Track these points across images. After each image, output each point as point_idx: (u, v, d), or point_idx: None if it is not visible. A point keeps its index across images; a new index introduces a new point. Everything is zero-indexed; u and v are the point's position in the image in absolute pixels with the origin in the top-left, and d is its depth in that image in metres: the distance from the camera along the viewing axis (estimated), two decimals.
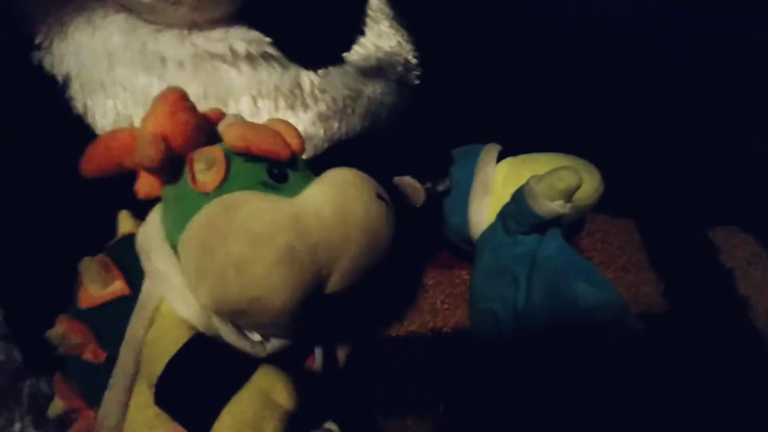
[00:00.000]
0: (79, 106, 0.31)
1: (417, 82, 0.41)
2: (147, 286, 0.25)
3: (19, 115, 0.30)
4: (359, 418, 0.34)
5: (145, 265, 0.25)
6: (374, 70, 0.37)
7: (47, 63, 0.31)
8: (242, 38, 0.31)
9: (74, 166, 0.32)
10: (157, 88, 0.31)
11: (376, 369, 0.37)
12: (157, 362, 0.22)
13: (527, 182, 0.31)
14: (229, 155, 0.24)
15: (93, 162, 0.24)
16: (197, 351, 0.23)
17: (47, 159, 0.31)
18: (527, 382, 0.32)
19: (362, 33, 0.35)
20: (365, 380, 0.36)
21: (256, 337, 0.25)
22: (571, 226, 0.37)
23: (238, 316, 0.23)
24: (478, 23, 0.40)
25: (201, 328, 0.24)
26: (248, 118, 0.32)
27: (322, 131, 0.35)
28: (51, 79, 0.31)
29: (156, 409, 0.23)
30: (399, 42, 0.37)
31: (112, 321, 0.25)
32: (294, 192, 0.24)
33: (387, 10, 0.37)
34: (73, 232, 0.31)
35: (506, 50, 0.43)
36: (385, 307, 0.39)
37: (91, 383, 0.25)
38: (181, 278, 0.23)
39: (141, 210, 0.29)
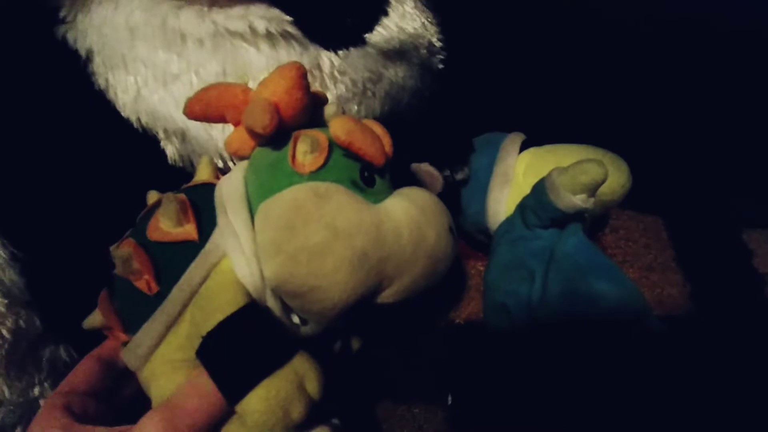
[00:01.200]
0: (101, 81, 0.32)
1: (441, 66, 0.40)
2: (215, 238, 0.24)
3: (42, 88, 0.31)
4: (367, 406, 0.35)
5: (220, 218, 0.25)
6: (396, 53, 0.36)
7: (70, 37, 0.31)
8: (262, 16, 0.30)
9: (95, 141, 0.32)
10: (176, 65, 0.31)
11: (386, 358, 0.37)
12: (209, 316, 0.22)
13: (549, 174, 0.29)
14: (331, 145, 0.25)
15: (200, 104, 0.26)
16: (250, 319, 0.23)
17: (69, 133, 0.31)
18: (538, 378, 0.31)
19: (385, 13, 0.34)
20: (375, 369, 0.36)
21: (296, 319, 0.26)
22: (594, 221, 0.36)
23: (292, 298, 0.24)
24: (508, 6, 0.38)
25: (254, 296, 0.24)
26: None
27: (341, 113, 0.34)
28: (74, 53, 0.31)
29: (184, 354, 0.24)
30: (423, 23, 0.36)
31: (173, 260, 0.24)
32: (377, 199, 0.25)
33: None
34: (96, 203, 0.32)
35: (536, 35, 0.41)
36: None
37: (135, 311, 0.25)
38: (251, 244, 0.24)
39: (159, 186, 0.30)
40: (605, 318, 0.27)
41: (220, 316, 0.22)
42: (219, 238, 0.24)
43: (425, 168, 0.33)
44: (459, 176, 0.35)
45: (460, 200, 0.37)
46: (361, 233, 0.23)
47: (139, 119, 0.32)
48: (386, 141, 0.27)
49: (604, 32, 0.35)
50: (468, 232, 0.38)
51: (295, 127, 0.26)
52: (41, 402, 0.32)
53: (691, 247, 0.37)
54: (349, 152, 0.25)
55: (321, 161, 0.24)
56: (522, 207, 0.32)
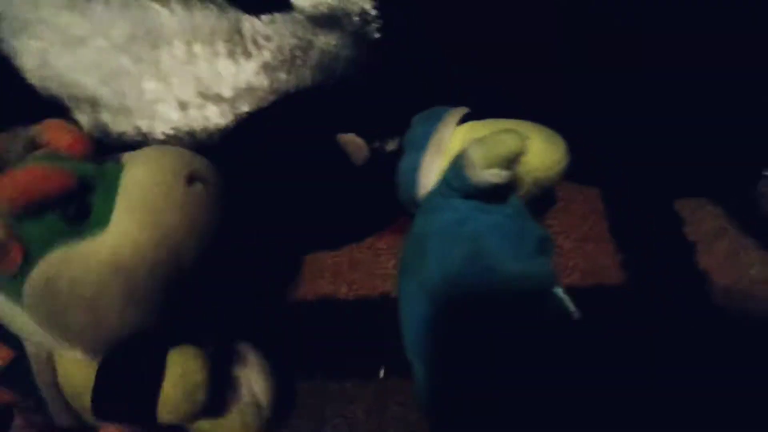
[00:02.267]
0: (5, 47, 0.30)
1: (378, 35, 0.38)
2: (30, 348, 0.25)
3: None
4: (298, 383, 0.34)
5: (14, 331, 0.25)
6: (327, 20, 0.34)
7: None
8: None
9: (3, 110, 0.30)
10: (81, 27, 0.29)
11: (319, 332, 0.36)
12: (82, 398, 0.25)
13: (467, 146, 0.28)
14: (17, 221, 0.22)
15: None
16: (110, 372, 0.25)
17: None
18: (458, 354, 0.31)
19: None
20: (307, 344, 0.35)
21: None
22: (537, 200, 0.35)
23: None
24: None
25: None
26: (182, 64, 0.31)
27: (267, 82, 0.33)
28: None
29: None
30: None
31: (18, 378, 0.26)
32: (103, 220, 0.23)
33: None
34: None
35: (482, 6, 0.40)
36: (329, 270, 0.38)
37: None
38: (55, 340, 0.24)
39: None
40: (505, 298, 0.26)
41: (87, 396, 0.24)
42: (31, 346, 0.26)
43: (349, 138, 0.32)
44: (389, 147, 0.34)
45: (396, 173, 0.36)
46: (109, 283, 0.22)
47: (45, 87, 0.30)
48: (64, 135, 0.25)
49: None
50: (403, 204, 0.37)
51: None
52: None
53: (626, 217, 0.37)
54: (37, 208, 0.22)
55: (18, 254, 0.22)
56: (442, 178, 0.31)
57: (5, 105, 0.30)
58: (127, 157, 0.26)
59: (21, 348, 0.26)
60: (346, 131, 0.34)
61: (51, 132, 0.25)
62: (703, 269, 0.34)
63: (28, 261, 0.22)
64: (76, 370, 0.25)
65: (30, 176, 0.22)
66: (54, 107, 0.31)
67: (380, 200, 0.38)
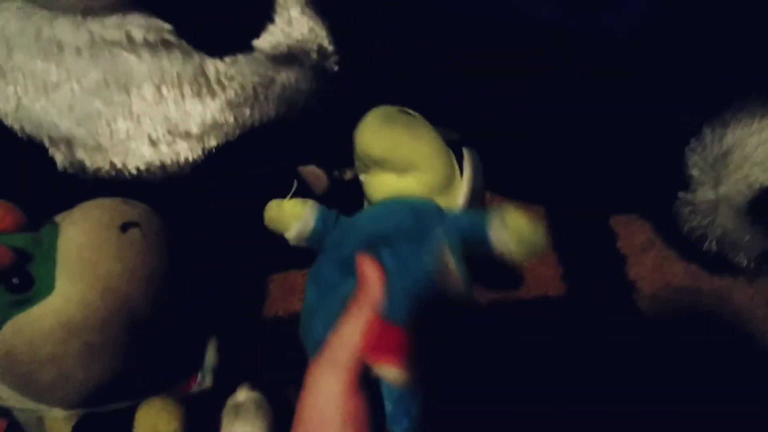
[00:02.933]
0: None
1: (336, 68, 0.41)
2: (20, 415, 0.28)
3: None
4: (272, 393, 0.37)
5: (1, 403, 0.27)
6: (286, 57, 0.37)
7: None
8: (140, 25, 0.31)
9: None
10: (55, 74, 0.31)
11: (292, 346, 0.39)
12: None
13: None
14: None
15: None
16: (83, 429, 0.27)
17: None
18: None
19: (271, 20, 0.35)
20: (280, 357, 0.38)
21: None
22: None
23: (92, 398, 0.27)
24: (393, 10, 0.40)
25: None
26: (153, 106, 0.33)
27: (232, 118, 0.35)
28: None
29: None
30: (311, 28, 0.37)
31: None
32: (48, 285, 0.24)
33: None
34: None
35: (427, 37, 0.43)
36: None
37: None
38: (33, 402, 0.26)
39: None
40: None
41: None
42: (23, 414, 0.28)
43: (311, 170, 0.35)
44: (348, 176, 0.37)
45: (353, 198, 0.39)
46: (64, 345, 0.24)
47: (23, 128, 0.32)
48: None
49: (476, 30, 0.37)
50: None
51: None
52: None
53: (566, 233, 0.40)
54: None
55: None
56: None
57: None
58: (62, 217, 0.28)
59: (12, 416, 0.28)
60: (308, 162, 0.36)
61: None
62: (632, 279, 0.38)
63: None
64: (62, 428, 0.27)
65: None
66: (31, 145, 0.33)
67: None
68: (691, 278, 0.37)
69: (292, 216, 0.32)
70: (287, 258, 0.43)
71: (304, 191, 0.35)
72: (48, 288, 0.24)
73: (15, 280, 0.24)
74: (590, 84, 0.37)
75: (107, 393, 0.27)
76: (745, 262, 0.33)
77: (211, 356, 0.35)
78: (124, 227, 0.26)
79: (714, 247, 0.34)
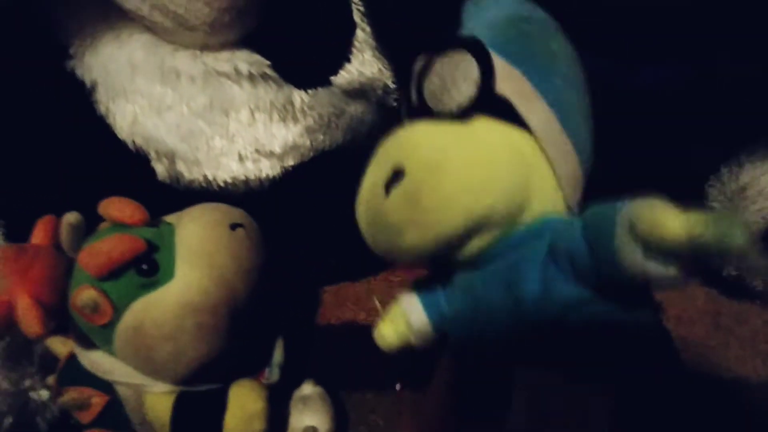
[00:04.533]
0: (102, 108, 0.37)
1: (394, 104, 0.47)
2: (123, 392, 0.30)
3: (51, 112, 0.36)
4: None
5: (108, 377, 0.30)
6: (357, 92, 0.43)
7: (78, 70, 0.36)
8: (245, 60, 0.37)
9: (95, 158, 0.37)
10: (170, 97, 0.37)
11: (343, 351, 0.42)
12: (164, 429, 0.30)
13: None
14: (102, 282, 0.27)
15: None
16: (181, 404, 0.30)
17: (74, 150, 0.36)
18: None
19: (348, 60, 0.41)
20: (332, 361, 0.41)
21: None
22: None
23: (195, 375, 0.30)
24: None
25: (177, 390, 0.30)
26: (246, 127, 0.38)
27: (308, 142, 0.41)
28: (80, 83, 0.36)
29: None
30: (380, 69, 0.44)
31: (112, 418, 0.31)
32: (169, 272, 0.28)
33: (370, 41, 0.44)
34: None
35: None
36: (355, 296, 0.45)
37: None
38: (143, 376, 0.29)
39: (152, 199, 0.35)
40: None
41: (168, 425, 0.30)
42: (125, 390, 0.31)
43: None
44: None
45: None
46: (182, 322, 0.27)
47: (134, 141, 0.37)
48: (128, 210, 0.29)
49: None
50: None
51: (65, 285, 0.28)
52: (31, 393, 0.36)
53: None
54: (116, 271, 0.27)
55: (109, 309, 0.27)
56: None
57: (97, 154, 0.37)
58: (172, 218, 0.31)
59: (114, 392, 0.30)
60: None
61: (114, 207, 0.29)
62: (658, 300, 0.42)
63: (116, 313, 0.27)
64: (160, 404, 0.30)
65: (110, 245, 0.27)
66: (138, 157, 0.38)
67: None
68: (711, 301, 0.41)
69: (399, 334, 0.27)
70: (341, 271, 0.47)
71: None
72: (170, 274, 0.28)
73: (144, 266, 0.27)
74: (618, 131, 0.42)
75: (207, 372, 0.30)
76: (761, 287, 0.37)
77: (278, 353, 0.38)
78: (233, 227, 0.30)
79: (733, 273, 0.38)
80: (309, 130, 0.40)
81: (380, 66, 0.44)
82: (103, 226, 0.30)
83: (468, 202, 0.19)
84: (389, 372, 0.40)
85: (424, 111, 0.21)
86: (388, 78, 0.45)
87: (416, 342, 0.28)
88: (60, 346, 0.33)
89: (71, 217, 0.29)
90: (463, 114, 0.20)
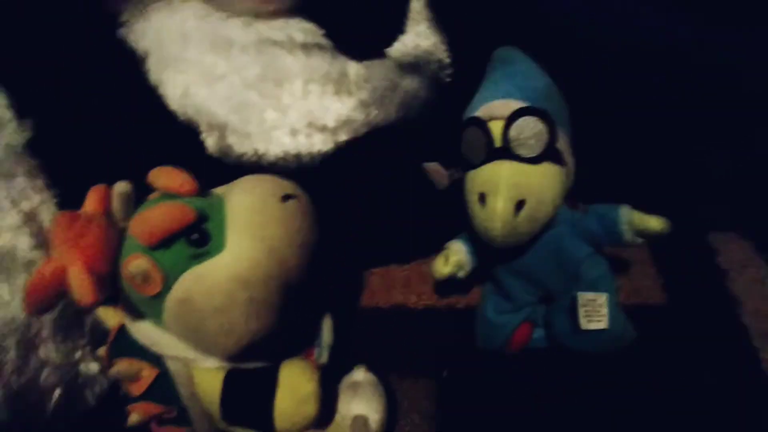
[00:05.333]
0: (154, 77, 0.36)
1: (448, 80, 0.45)
2: (173, 365, 0.29)
3: (103, 80, 0.35)
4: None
5: (157, 350, 0.29)
6: (411, 66, 0.41)
7: (130, 38, 0.35)
8: (299, 28, 0.35)
9: (145, 129, 0.36)
10: (222, 67, 0.35)
11: (393, 335, 0.41)
12: (213, 406, 0.29)
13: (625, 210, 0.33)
14: (152, 252, 0.26)
15: (35, 301, 0.26)
16: (231, 382, 0.29)
17: (124, 120, 0.35)
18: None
19: (403, 32, 0.39)
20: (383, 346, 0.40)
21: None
22: None
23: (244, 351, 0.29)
24: (507, 30, 0.44)
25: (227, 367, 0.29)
26: (299, 99, 0.37)
27: (362, 116, 0.39)
28: (132, 52, 0.35)
29: None
30: (435, 42, 0.41)
31: (161, 391, 0.30)
32: (220, 243, 0.27)
33: (426, 13, 0.41)
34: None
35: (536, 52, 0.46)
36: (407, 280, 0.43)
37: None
38: (192, 350, 0.29)
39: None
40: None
41: (217, 401, 0.29)
42: (174, 363, 0.30)
43: (434, 167, 0.38)
44: (457, 176, 0.39)
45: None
46: (232, 295, 0.26)
47: (185, 113, 0.36)
48: (178, 179, 0.28)
49: (589, 51, 0.40)
50: None
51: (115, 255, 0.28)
52: (81, 366, 0.35)
53: (665, 247, 0.42)
54: (167, 240, 0.26)
55: (159, 278, 0.26)
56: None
57: (147, 125, 0.36)
58: (221, 189, 0.30)
59: (163, 365, 0.29)
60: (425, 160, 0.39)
61: (164, 176, 0.29)
62: (734, 293, 0.39)
63: (166, 284, 0.26)
64: (210, 380, 0.29)
65: (160, 214, 0.26)
66: (188, 129, 0.37)
67: (447, 222, 0.43)
68: None
69: (453, 264, 0.38)
70: (389, 254, 0.45)
71: (425, 185, 0.38)
72: (220, 246, 0.27)
73: (194, 236, 0.26)
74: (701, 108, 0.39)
75: (257, 349, 0.29)
76: None
77: (327, 334, 0.36)
78: (285, 198, 0.29)
79: None
80: (363, 104, 0.39)
81: (436, 39, 0.42)
82: (153, 195, 0.29)
83: (551, 212, 0.33)
84: (438, 357, 0.39)
85: (506, 152, 0.32)
86: (442, 52, 0.43)
87: (461, 275, 0.38)
88: (111, 317, 0.32)
89: (122, 186, 0.29)
90: (537, 160, 0.32)
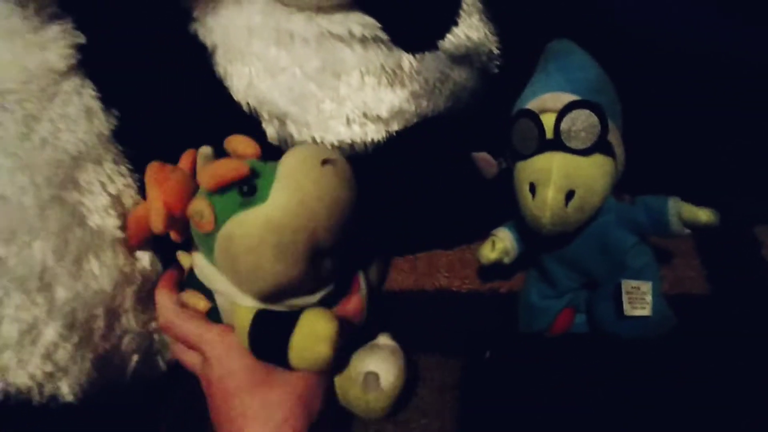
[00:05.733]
0: (220, 69, 0.38)
1: (496, 71, 0.46)
2: (220, 300, 0.34)
3: (176, 73, 0.37)
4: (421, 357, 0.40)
5: (210, 285, 0.34)
6: (462, 58, 0.42)
7: (200, 33, 0.38)
8: (358, 22, 0.37)
9: (212, 117, 0.39)
10: (284, 60, 0.37)
11: (437, 317, 0.43)
12: (244, 341, 0.32)
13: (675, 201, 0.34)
14: (210, 196, 0.31)
15: (134, 233, 0.35)
16: (260, 319, 0.32)
17: (192, 109, 0.37)
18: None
19: (456, 24, 0.40)
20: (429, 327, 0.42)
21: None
22: None
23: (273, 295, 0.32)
24: (558, 22, 0.44)
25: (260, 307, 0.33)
26: (356, 90, 0.38)
27: (413, 107, 0.40)
28: (201, 45, 0.38)
29: None
30: (486, 34, 0.42)
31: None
32: (265, 195, 0.30)
33: (478, 4, 0.42)
34: None
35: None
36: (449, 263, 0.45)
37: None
38: (234, 288, 0.32)
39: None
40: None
41: (246, 333, 0.32)
42: (221, 298, 0.34)
43: (483, 156, 0.39)
44: (504, 165, 0.40)
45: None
46: (264, 237, 0.29)
47: (248, 103, 0.39)
48: (248, 145, 0.33)
49: (647, 48, 0.41)
50: None
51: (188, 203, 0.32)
52: (155, 336, 0.39)
53: (710, 238, 0.42)
54: (223, 188, 0.31)
55: (212, 217, 0.30)
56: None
57: (215, 114, 0.39)
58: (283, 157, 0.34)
59: (214, 300, 0.34)
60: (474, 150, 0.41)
61: (235, 141, 0.34)
62: None
63: (217, 224, 0.30)
64: (244, 317, 0.32)
65: (220, 167, 0.31)
66: (250, 118, 0.39)
67: (491, 210, 0.45)
68: None
69: (499, 250, 0.40)
70: (435, 239, 0.47)
71: (473, 173, 0.40)
72: (264, 197, 0.30)
73: (245, 188, 0.31)
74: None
75: (286, 294, 0.32)
76: None
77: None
78: (324, 162, 0.31)
79: None
80: (414, 95, 0.40)
81: (486, 31, 0.42)
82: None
83: (599, 203, 0.35)
84: (481, 338, 0.41)
85: (558, 143, 0.34)
86: (493, 43, 0.44)
87: (506, 261, 0.40)
88: (185, 259, 0.37)
89: (205, 150, 0.35)
90: (588, 152, 0.33)
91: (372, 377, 0.35)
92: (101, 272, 0.34)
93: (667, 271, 0.41)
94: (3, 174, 0.30)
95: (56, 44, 0.32)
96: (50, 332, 0.31)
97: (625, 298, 0.33)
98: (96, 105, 0.34)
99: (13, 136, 0.30)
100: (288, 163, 0.32)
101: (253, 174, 0.31)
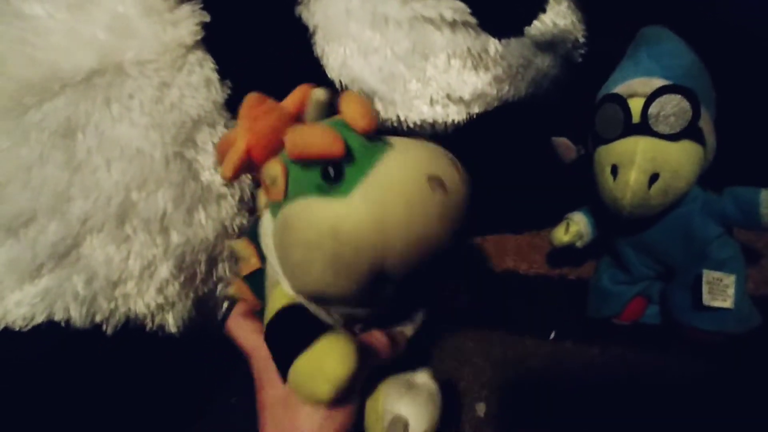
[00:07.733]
0: (319, 50, 0.42)
1: (580, 59, 0.46)
2: (268, 268, 0.31)
3: (280, 52, 0.41)
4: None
5: (264, 250, 0.30)
6: (547, 44, 0.42)
7: (304, 16, 0.41)
8: (450, 7, 0.39)
9: None
10: (378, 41, 0.40)
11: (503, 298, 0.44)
12: (266, 320, 0.29)
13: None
14: (289, 164, 0.27)
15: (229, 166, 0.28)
16: (287, 314, 0.28)
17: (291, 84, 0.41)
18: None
19: (544, 11, 0.41)
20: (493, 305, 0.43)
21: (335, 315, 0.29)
22: None
23: (312, 300, 0.28)
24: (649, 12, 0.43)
25: (297, 300, 0.29)
26: (441, 72, 0.41)
27: (495, 91, 0.42)
28: (305, 27, 0.42)
29: None
30: (573, 21, 0.43)
31: (257, 282, 0.32)
32: (349, 188, 0.25)
33: None
34: None
35: None
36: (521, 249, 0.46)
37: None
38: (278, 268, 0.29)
39: None
40: None
41: (270, 316, 0.29)
42: (269, 267, 0.30)
43: (563, 141, 0.40)
44: (582, 152, 0.41)
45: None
46: (324, 239, 0.25)
47: (341, 81, 0.42)
48: (361, 111, 0.27)
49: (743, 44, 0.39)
50: None
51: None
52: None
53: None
54: (306, 161, 0.26)
55: (282, 187, 0.26)
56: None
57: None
58: (391, 141, 0.28)
59: (264, 264, 0.31)
60: (552, 135, 0.41)
61: (348, 103, 0.27)
62: None
63: (287, 197, 0.26)
64: (276, 299, 0.29)
65: (313, 135, 0.26)
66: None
67: (564, 197, 0.45)
68: None
69: (573, 234, 0.41)
70: (503, 222, 0.48)
71: (552, 158, 0.40)
72: (346, 191, 0.25)
73: (330, 171, 0.25)
74: None
75: (326, 301, 0.28)
76: None
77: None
78: (434, 182, 0.25)
79: None
80: (497, 79, 0.41)
81: (574, 18, 0.43)
82: (338, 117, 0.28)
83: (685, 189, 0.34)
84: (547, 320, 0.41)
85: (644, 128, 0.33)
86: (579, 32, 0.44)
87: (579, 245, 0.40)
88: (263, 199, 0.32)
89: (319, 93, 0.30)
90: (676, 137, 0.33)
91: (400, 424, 0.30)
92: (207, 223, 0.38)
93: (753, 270, 0.39)
94: (140, 130, 0.35)
95: (186, 22, 0.37)
96: (164, 270, 0.36)
97: (705, 287, 0.33)
98: (214, 76, 0.38)
99: (150, 99, 0.36)
100: (388, 164, 0.26)
101: (347, 157, 0.25)
